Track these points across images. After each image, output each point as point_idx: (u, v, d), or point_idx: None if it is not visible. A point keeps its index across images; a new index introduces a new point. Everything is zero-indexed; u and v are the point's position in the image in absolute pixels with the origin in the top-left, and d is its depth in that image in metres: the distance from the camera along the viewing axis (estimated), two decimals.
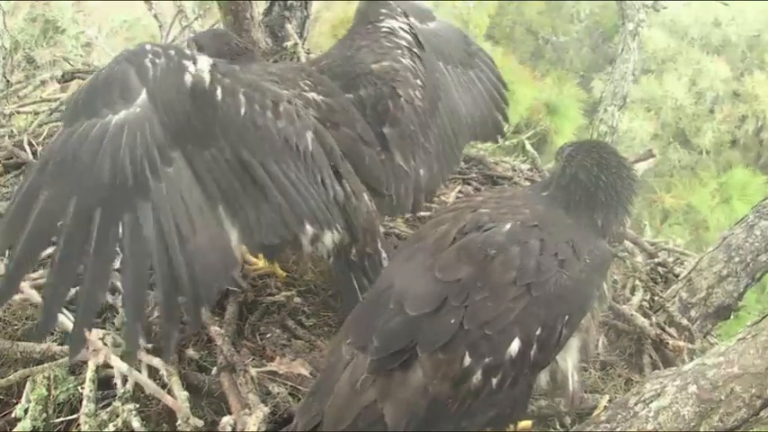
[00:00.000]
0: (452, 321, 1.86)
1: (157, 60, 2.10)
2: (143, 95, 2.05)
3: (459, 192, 3.84)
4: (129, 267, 1.96)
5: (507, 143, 6.00)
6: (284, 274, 2.90)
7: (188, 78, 2.11)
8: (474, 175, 4.12)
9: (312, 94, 2.68)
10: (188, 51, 2.25)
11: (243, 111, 2.18)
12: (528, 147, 4.75)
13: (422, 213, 3.46)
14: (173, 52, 2.16)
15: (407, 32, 2.97)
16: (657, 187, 9.05)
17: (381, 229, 2.70)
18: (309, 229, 2.28)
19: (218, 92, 2.14)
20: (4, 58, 4.90)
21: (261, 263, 2.88)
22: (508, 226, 2.01)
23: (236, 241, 2.11)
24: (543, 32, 12.94)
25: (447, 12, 10.41)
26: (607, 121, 7.94)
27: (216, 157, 2.10)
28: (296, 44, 4.51)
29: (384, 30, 2.97)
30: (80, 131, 2.00)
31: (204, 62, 2.18)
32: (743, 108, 11.09)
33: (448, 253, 1.99)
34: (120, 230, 1.94)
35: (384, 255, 2.64)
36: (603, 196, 2.13)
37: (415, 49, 2.95)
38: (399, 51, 2.90)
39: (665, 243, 4.11)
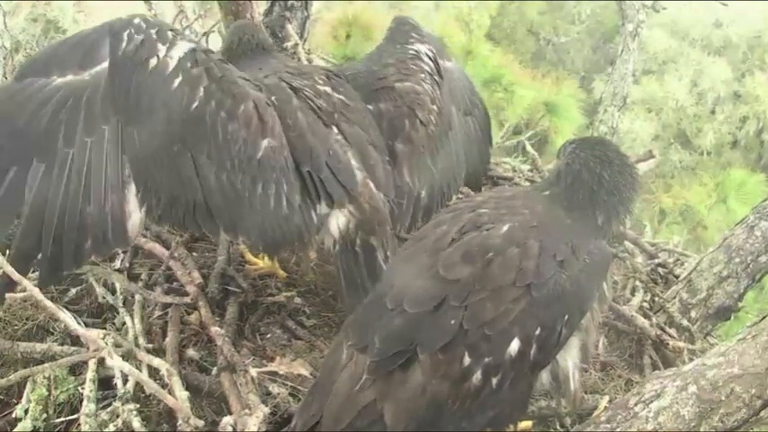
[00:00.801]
0: (452, 322, 1.86)
1: (135, 36, 2.19)
2: (104, 65, 2.15)
3: (460, 192, 3.83)
4: None
5: (507, 143, 6.01)
6: (285, 274, 2.91)
7: (153, 61, 2.19)
8: None
9: (326, 88, 2.71)
10: (170, 34, 2.29)
11: (195, 104, 2.22)
12: (528, 147, 4.74)
13: None
14: (153, 32, 2.24)
15: (431, 59, 3.01)
16: (654, 187, 9.05)
17: (389, 228, 2.66)
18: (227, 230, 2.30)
19: (176, 81, 2.20)
20: (4, 58, 4.90)
21: (261, 263, 2.89)
22: (506, 227, 2.01)
23: (136, 220, 2.18)
24: (544, 33, 12.95)
25: (448, 12, 10.41)
26: (607, 121, 7.97)
27: (149, 138, 2.16)
28: (296, 44, 4.52)
29: (411, 52, 3.01)
30: (18, 87, 2.14)
31: (179, 49, 2.25)
32: (744, 109, 11.09)
33: (447, 253, 1.98)
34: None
35: (386, 253, 2.61)
36: (605, 195, 2.13)
37: (436, 77, 2.98)
38: (422, 75, 2.94)
39: (665, 244, 4.11)
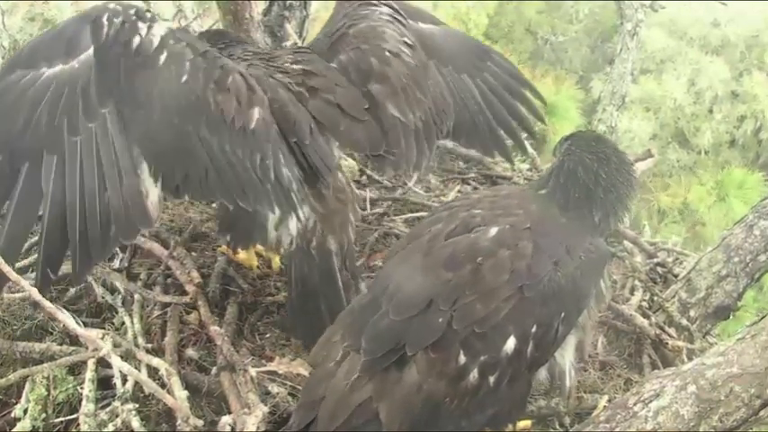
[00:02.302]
0: (440, 320, 1.86)
1: (114, 20, 2.18)
2: (89, 52, 2.15)
3: (459, 191, 3.84)
4: (12, 214, 2.07)
5: (506, 142, 6.00)
6: (257, 264, 2.87)
7: (136, 40, 2.18)
8: (473, 175, 4.11)
9: (293, 66, 2.65)
10: (149, 14, 2.28)
11: (184, 78, 2.21)
12: (527, 146, 4.72)
13: (421, 213, 3.47)
14: (132, 13, 2.23)
15: (387, 6, 2.88)
16: (653, 187, 9.06)
17: (353, 217, 2.61)
18: (241, 202, 2.28)
19: (162, 57, 2.19)
20: (2, 58, 4.90)
21: (242, 255, 2.86)
22: (495, 230, 2.00)
23: (155, 197, 2.17)
24: (542, 32, 12.94)
25: (446, 12, 10.41)
26: (606, 120, 7.98)
27: (149, 116, 2.16)
28: (295, 44, 4.51)
29: (362, 4, 2.88)
30: (8, 81, 2.11)
31: (160, 27, 2.24)
32: (742, 108, 11.09)
33: (436, 256, 1.98)
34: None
35: (344, 261, 2.54)
36: (602, 193, 2.11)
37: (398, 17, 2.85)
38: (378, 11, 2.82)
39: (664, 243, 4.10)
